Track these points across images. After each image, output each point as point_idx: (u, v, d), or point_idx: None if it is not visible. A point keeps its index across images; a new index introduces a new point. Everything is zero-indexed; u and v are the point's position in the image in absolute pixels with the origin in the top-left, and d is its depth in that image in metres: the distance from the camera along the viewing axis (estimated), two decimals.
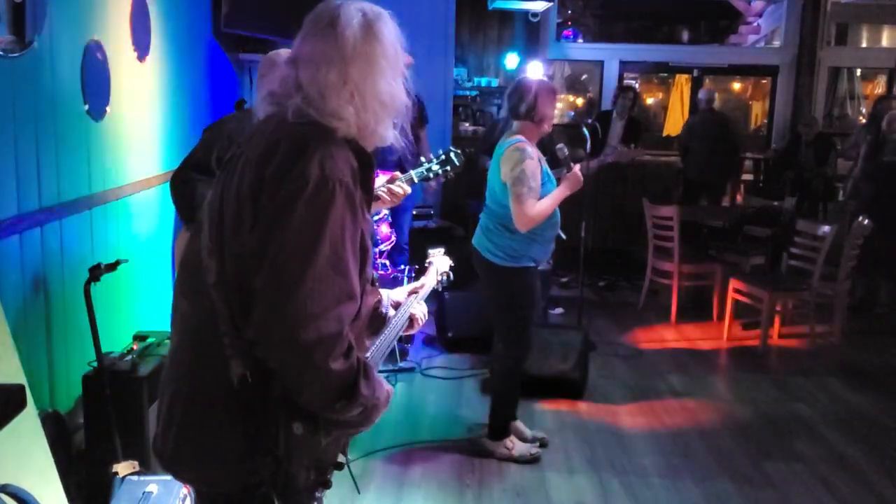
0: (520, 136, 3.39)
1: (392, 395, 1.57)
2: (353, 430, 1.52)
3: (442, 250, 2.34)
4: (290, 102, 1.47)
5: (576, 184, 3.45)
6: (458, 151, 2.80)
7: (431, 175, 2.77)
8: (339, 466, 1.54)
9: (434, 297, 5.37)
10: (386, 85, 1.50)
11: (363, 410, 1.43)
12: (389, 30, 1.52)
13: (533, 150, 3.34)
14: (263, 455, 1.40)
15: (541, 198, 3.33)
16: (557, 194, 3.39)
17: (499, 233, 3.41)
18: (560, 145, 3.57)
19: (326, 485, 1.51)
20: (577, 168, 3.50)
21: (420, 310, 1.98)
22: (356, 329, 1.51)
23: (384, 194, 2.73)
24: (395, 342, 5.00)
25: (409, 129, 1.62)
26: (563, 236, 3.63)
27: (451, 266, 2.30)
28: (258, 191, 1.39)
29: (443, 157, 2.76)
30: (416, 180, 2.75)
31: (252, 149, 1.46)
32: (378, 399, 1.47)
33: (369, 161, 1.50)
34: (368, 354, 1.66)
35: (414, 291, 2.01)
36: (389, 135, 1.54)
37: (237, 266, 1.39)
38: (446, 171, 2.77)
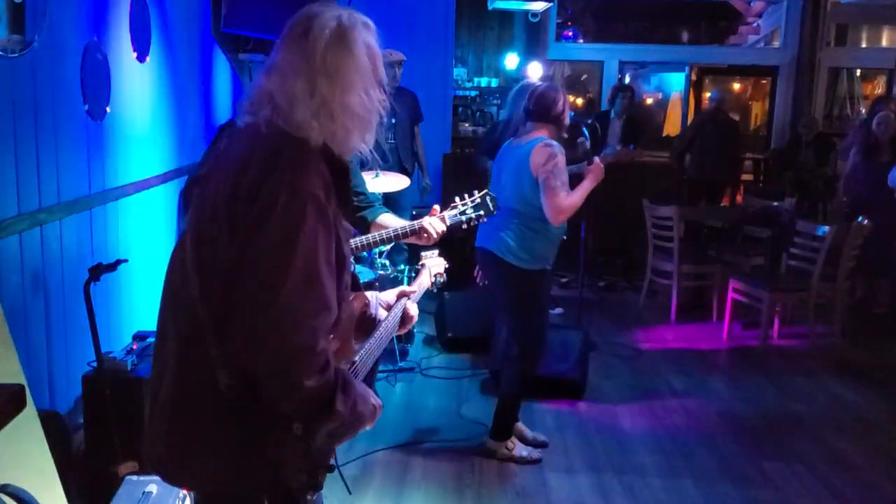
0: (543, 135, 3.41)
1: (380, 409, 1.56)
2: (332, 441, 1.51)
3: (436, 252, 2.31)
4: (262, 113, 1.46)
5: (600, 175, 3.48)
6: (494, 196, 2.71)
7: (464, 219, 2.67)
8: (330, 469, 1.54)
9: (434, 298, 5.40)
10: (356, 97, 1.47)
11: (341, 424, 1.43)
12: (364, 40, 1.50)
13: (561, 147, 3.38)
14: (255, 459, 1.41)
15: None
16: (586, 186, 3.43)
17: (523, 234, 3.41)
18: (581, 139, 3.60)
19: (317, 487, 1.51)
20: (598, 159, 3.54)
21: (412, 309, 1.96)
22: (342, 334, 1.51)
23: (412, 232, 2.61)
24: (395, 342, 4.97)
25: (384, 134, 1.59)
26: (563, 237, 3.64)
27: (446, 268, 2.28)
28: (233, 204, 1.39)
29: (478, 200, 2.67)
30: (448, 223, 2.66)
31: (227, 162, 1.46)
32: (361, 414, 1.47)
33: (344, 170, 1.49)
34: (357, 358, 1.66)
35: (403, 294, 1.98)
36: (362, 146, 1.52)
37: (220, 277, 1.40)
38: (479, 215, 2.68)
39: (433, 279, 2.22)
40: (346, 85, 1.46)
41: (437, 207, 2.64)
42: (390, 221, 2.82)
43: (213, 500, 1.53)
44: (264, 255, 1.34)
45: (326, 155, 1.46)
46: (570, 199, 3.36)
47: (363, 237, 2.68)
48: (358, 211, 2.86)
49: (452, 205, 2.68)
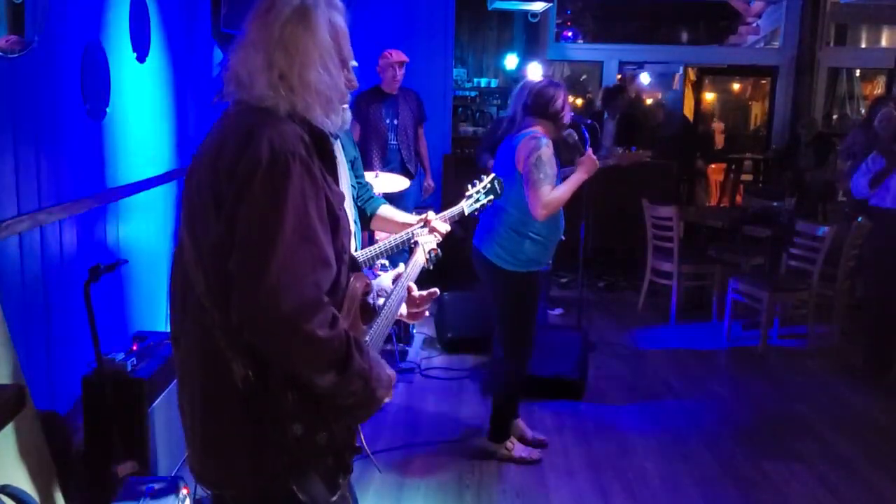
0: (536, 131, 3.38)
1: (394, 379, 1.55)
2: (357, 412, 1.49)
3: (426, 230, 2.35)
4: (229, 91, 1.48)
5: (591, 167, 3.44)
6: (501, 179, 2.77)
7: (479, 206, 2.73)
8: (357, 450, 1.53)
9: (434, 299, 5.38)
10: (315, 73, 1.46)
11: (364, 385, 1.42)
12: (328, 17, 1.49)
13: (548, 140, 3.35)
14: (278, 454, 1.40)
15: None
16: (575, 179, 3.38)
17: (507, 236, 3.39)
18: (568, 131, 3.53)
19: (347, 470, 1.50)
20: (590, 151, 3.48)
21: (415, 289, 1.94)
22: (348, 313, 1.51)
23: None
24: (395, 342, 4.95)
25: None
26: (562, 237, 3.63)
27: (438, 243, 2.28)
28: (217, 184, 1.39)
29: (488, 185, 2.72)
30: (466, 213, 2.70)
31: (205, 150, 1.46)
32: (379, 375, 1.46)
33: (321, 132, 1.49)
34: (368, 337, 1.65)
35: (398, 277, 1.96)
36: (326, 122, 1.51)
37: (218, 265, 1.38)
38: (490, 199, 2.75)
39: (428, 255, 2.20)
40: (304, 60, 1.46)
41: (432, 213, 2.60)
42: (392, 214, 2.82)
43: (245, 501, 1.51)
44: (255, 218, 1.33)
45: (297, 119, 1.46)
46: (555, 194, 3.29)
47: (364, 252, 2.66)
48: (358, 201, 2.87)
49: (468, 194, 2.73)
